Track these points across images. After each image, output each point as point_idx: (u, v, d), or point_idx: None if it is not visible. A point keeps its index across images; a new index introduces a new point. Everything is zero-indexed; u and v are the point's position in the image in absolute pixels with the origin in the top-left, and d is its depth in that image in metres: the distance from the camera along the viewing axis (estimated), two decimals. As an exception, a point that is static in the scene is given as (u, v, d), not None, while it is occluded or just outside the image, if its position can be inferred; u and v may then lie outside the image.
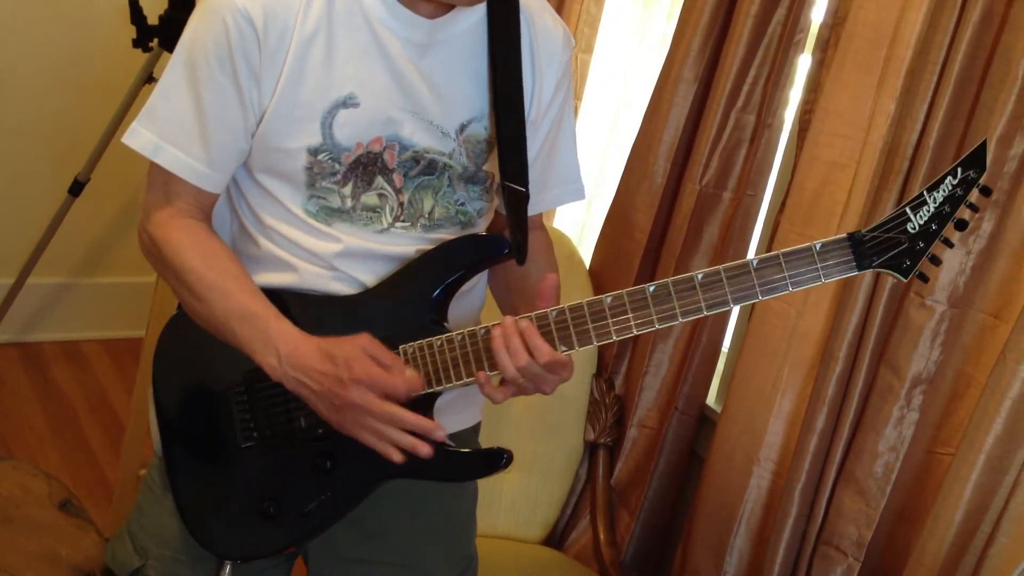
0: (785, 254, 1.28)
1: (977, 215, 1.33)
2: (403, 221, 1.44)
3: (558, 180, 1.60)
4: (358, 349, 1.33)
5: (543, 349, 1.33)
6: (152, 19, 2.98)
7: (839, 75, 1.97)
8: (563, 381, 1.38)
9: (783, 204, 2.11)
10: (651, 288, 1.33)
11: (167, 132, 1.37)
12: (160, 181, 1.41)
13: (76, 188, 3.29)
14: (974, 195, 1.28)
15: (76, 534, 1.72)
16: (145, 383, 2.64)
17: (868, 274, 1.86)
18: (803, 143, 2.06)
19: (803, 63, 2.15)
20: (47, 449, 3.18)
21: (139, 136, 1.38)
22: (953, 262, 1.78)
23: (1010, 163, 1.71)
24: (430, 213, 1.45)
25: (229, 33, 1.32)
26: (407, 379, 1.35)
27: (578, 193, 1.62)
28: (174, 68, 1.37)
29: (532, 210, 1.56)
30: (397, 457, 1.35)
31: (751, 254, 2.32)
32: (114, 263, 3.80)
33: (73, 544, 1.69)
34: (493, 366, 1.37)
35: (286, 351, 1.34)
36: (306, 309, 1.44)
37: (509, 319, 1.35)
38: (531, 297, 1.43)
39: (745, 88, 2.23)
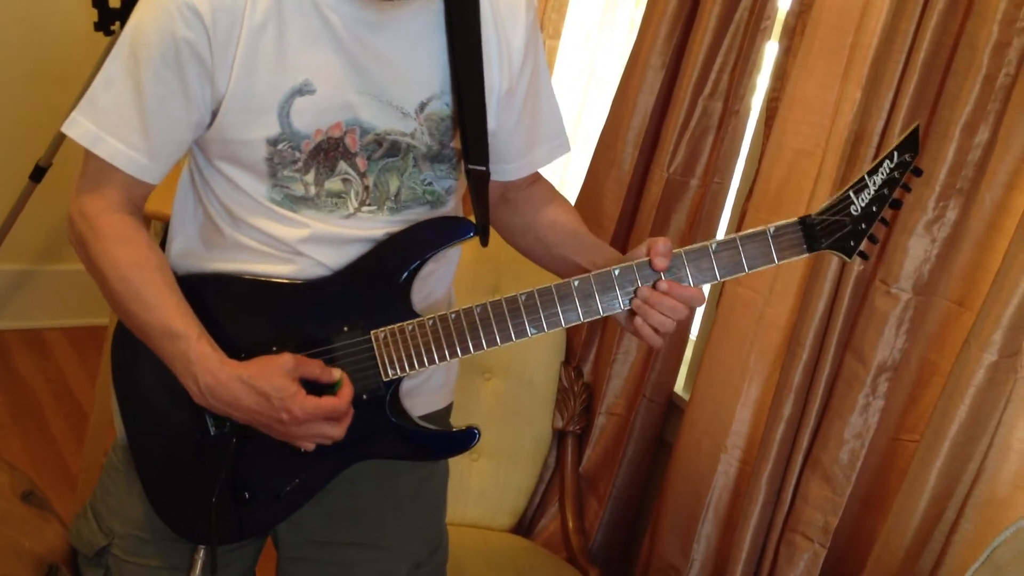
0: (741, 237, 1.36)
1: (910, 194, 1.45)
2: (369, 205, 1.43)
3: (544, 136, 1.59)
4: (286, 380, 1.34)
5: (695, 294, 1.37)
6: (114, 2, 2.94)
7: (805, 62, 1.97)
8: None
9: (750, 191, 2.12)
10: (616, 271, 1.38)
11: (107, 123, 1.34)
12: (95, 171, 1.38)
13: (37, 174, 3.25)
14: (908, 176, 1.37)
15: (39, 525, 1.69)
16: (108, 372, 2.61)
17: (835, 262, 1.87)
18: (770, 130, 2.07)
19: (770, 50, 2.15)
20: (9, 438, 3.14)
21: (79, 126, 1.35)
22: (918, 250, 1.79)
23: (974, 151, 1.72)
24: (396, 195, 1.44)
25: (175, 28, 1.29)
26: (341, 395, 1.37)
27: (564, 147, 1.63)
28: (116, 58, 1.35)
29: (524, 171, 1.59)
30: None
31: (718, 241, 2.33)
32: (77, 250, 3.75)
33: (36, 535, 1.66)
34: (466, 349, 1.41)
35: (206, 382, 1.34)
36: (272, 295, 1.43)
37: (648, 290, 1.37)
38: (572, 240, 1.53)
39: (712, 75, 2.23)
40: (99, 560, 1.57)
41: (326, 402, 1.35)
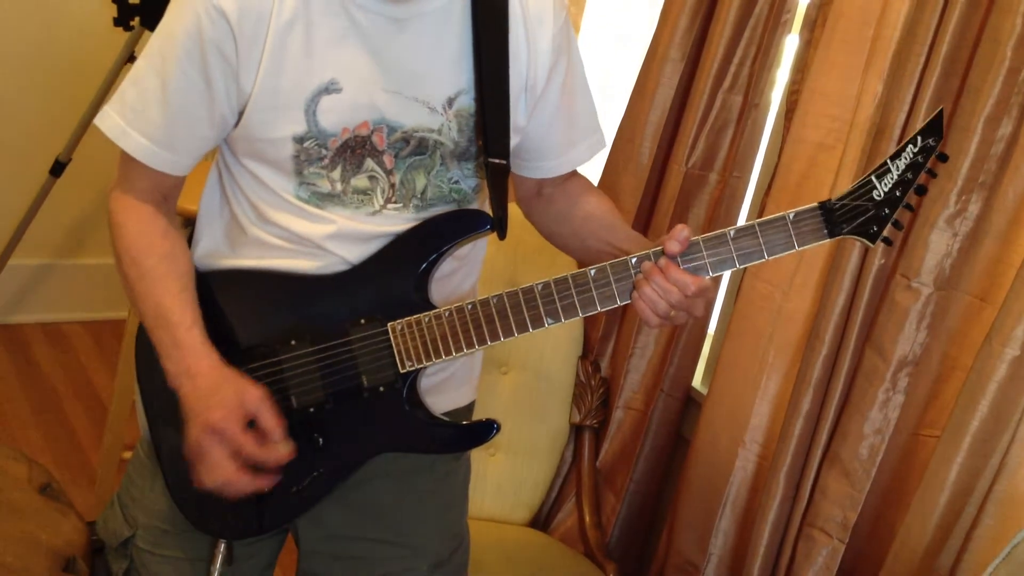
0: (760, 223, 1.35)
1: (934, 179, 1.41)
2: (395, 203, 1.43)
3: (582, 134, 1.60)
4: (235, 397, 1.34)
5: (687, 280, 1.35)
6: (133, -3, 2.95)
7: (826, 55, 1.95)
8: (710, 301, 1.40)
9: (769, 186, 2.10)
10: (633, 259, 1.38)
11: (132, 117, 1.38)
12: (125, 163, 1.43)
13: (57, 169, 3.26)
14: (933, 162, 1.34)
15: (56, 518, 1.70)
16: (128, 365, 2.62)
17: (855, 256, 1.86)
18: (790, 124, 2.05)
19: (790, 43, 2.14)
20: (29, 431, 3.16)
21: (108, 119, 1.39)
22: (940, 244, 1.77)
23: (997, 144, 1.71)
24: (423, 193, 1.44)
25: (201, 27, 1.31)
26: (262, 448, 1.35)
27: (600, 143, 1.64)
28: (147, 55, 1.38)
29: (562, 168, 1.60)
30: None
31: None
32: (96, 244, 3.78)
33: (53, 528, 1.67)
34: (482, 340, 1.40)
35: (186, 365, 1.37)
36: (291, 288, 1.44)
37: (649, 264, 1.36)
38: (606, 232, 1.52)
39: (732, 68, 2.22)
40: (124, 551, 1.59)
41: (239, 434, 1.34)
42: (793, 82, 2.08)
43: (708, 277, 1.37)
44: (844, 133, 1.92)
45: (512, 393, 2.40)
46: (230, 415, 1.33)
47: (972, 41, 1.74)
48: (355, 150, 1.39)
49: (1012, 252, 1.71)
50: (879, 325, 1.86)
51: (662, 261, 1.36)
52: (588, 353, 2.48)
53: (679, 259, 1.36)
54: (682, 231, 1.36)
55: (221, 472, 1.35)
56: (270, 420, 1.36)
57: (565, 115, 1.55)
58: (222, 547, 1.52)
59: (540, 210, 1.63)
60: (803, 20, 2.07)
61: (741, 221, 2.30)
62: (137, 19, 2.95)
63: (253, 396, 1.36)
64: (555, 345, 2.43)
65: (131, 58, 3.04)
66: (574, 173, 1.64)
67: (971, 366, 1.68)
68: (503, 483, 2.42)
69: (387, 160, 1.41)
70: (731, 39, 2.19)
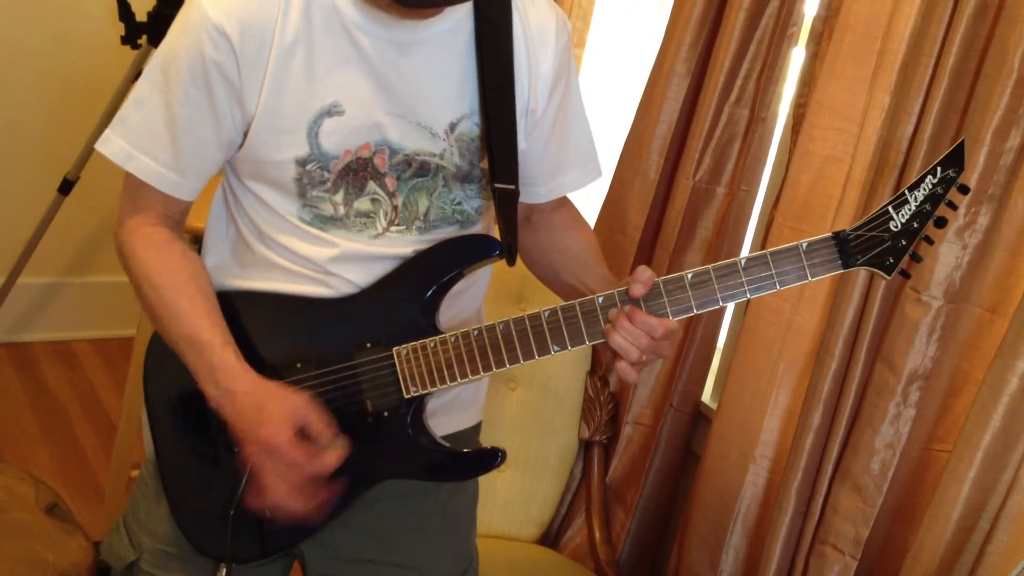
0: (772, 253, 1.31)
1: (957, 211, 1.35)
2: (398, 225, 1.42)
3: (575, 161, 1.58)
4: (279, 410, 1.33)
5: (654, 323, 1.32)
6: (141, 16, 2.96)
7: (833, 68, 1.95)
8: (675, 342, 1.37)
9: (777, 199, 2.09)
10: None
11: (139, 141, 1.37)
12: (132, 188, 1.41)
13: (65, 187, 3.27)
14: (953, 193, 1.30)
15: (63, 538, 1.70)
16: (136, 383, 2.62)
17: (863, 270, 1.85)
18: (797, 137, 2.05)
19: (796, 56, 2.13)
20: (38, 450, 3.16)
21: (112, 143, 1.38)
22: (949, 257, 1.76)
23: (1006, 156, 1.70)
24: (425, 215, 1.43)
25: (204, 49, 1.31)
26: (326, 460, 1.34)
27: (595, 172, 1.62)
28: (148, 78, 1.37)
29: (552, 194, 1.58)
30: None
31: (745, 250, 2.31)
32: (104, 262, 3.78)
33: (59, 548, 1.67)
34: (488, 367, 1.38)
35: (226, 387, 1.35)
36: (297, 312, 1.43)
37: (615, 310, 1.34)
38: (578, 268, 1.51)
39: (738, 82, 2.21)
40: (129, 574, 1.58)
41: (297, 450, 1.32)
42: (800, 95, 2.08)
43: (718, 306, 1.35)
44: (851, 146, 1.91)
45: (520, 409, 2.39)
46: (279, 429, 1.32)
47: (979, 52, 1.73)
48: (357, 172, 1.38)
49: (1022, 264, 1.70)
50: (889, 338, 1.85)
51: (627, 307, 1.33)
52: (596, 368, 2.47)
53: (691, 292, 1.33)
54: (643, 272, 1.33)
55: (274, 493, 1.34)
56: (318, 424, 1.35)
57: (558, 140, 1.54)
58: (224, 572, 1.50)
59: (524, 237, 1.61)
60: (809, 33, 2.06)
61: (749, 234, 2.29)
62: (144, 37, 2.96)
63: (298, 404, 1.34)
64: (563, 360, 2.42)
65: (138, 76, 3.05)
66: (565, 204, 1.63)
67: (982, 379, 1.67)
68: (512, 500, 2.41)
69: (389, 182, 1.40)
70: (737, 53, 2.19)
